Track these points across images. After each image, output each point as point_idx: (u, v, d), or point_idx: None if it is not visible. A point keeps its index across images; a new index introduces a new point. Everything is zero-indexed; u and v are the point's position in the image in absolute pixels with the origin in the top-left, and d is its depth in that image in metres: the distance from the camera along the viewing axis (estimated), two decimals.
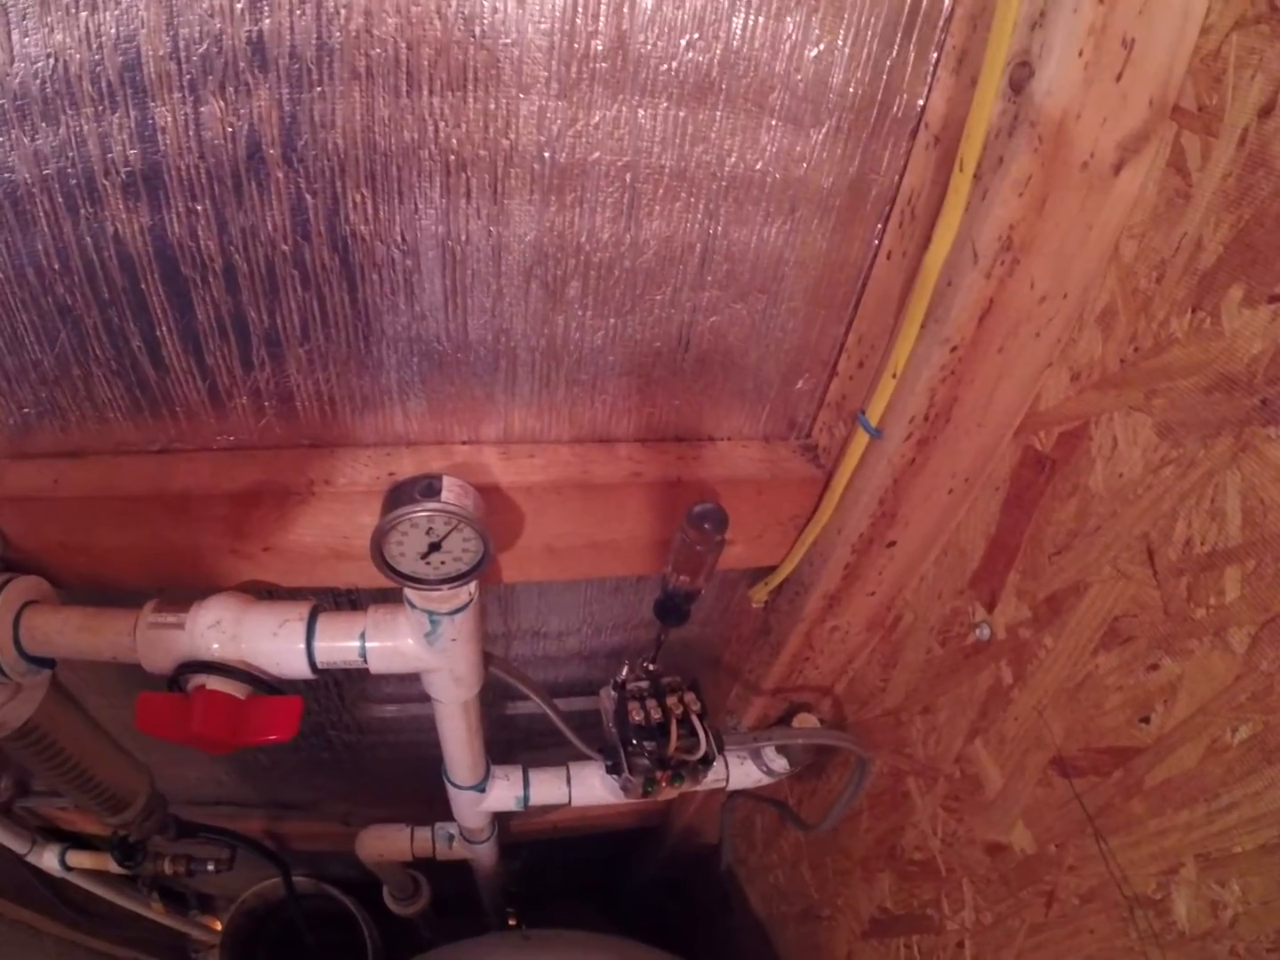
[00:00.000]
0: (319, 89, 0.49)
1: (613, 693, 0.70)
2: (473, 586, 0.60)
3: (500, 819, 0.94)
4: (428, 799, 1.05)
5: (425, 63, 0.49)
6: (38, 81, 0.47)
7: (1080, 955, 0.59)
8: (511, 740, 1.11)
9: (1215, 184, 0.46)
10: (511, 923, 1.26)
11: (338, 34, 0.48)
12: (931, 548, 0.72)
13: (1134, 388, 0.52)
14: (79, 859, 1.09)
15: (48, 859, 1.10)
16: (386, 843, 0.98)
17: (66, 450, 0.63)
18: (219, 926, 1.45)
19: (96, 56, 0.47)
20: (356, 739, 1.08)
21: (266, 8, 0.46)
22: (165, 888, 1.24)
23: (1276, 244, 0.43)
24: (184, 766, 1.11)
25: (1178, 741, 0.50)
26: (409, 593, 0.59)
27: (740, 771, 0.85)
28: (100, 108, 0.49)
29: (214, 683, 0.59)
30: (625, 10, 0.49)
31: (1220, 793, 0.48)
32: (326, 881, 1.36)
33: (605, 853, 1.60)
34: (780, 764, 0.85)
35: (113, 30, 0.46)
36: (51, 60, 0.47)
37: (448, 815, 0.91)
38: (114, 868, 0.99)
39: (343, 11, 0.47)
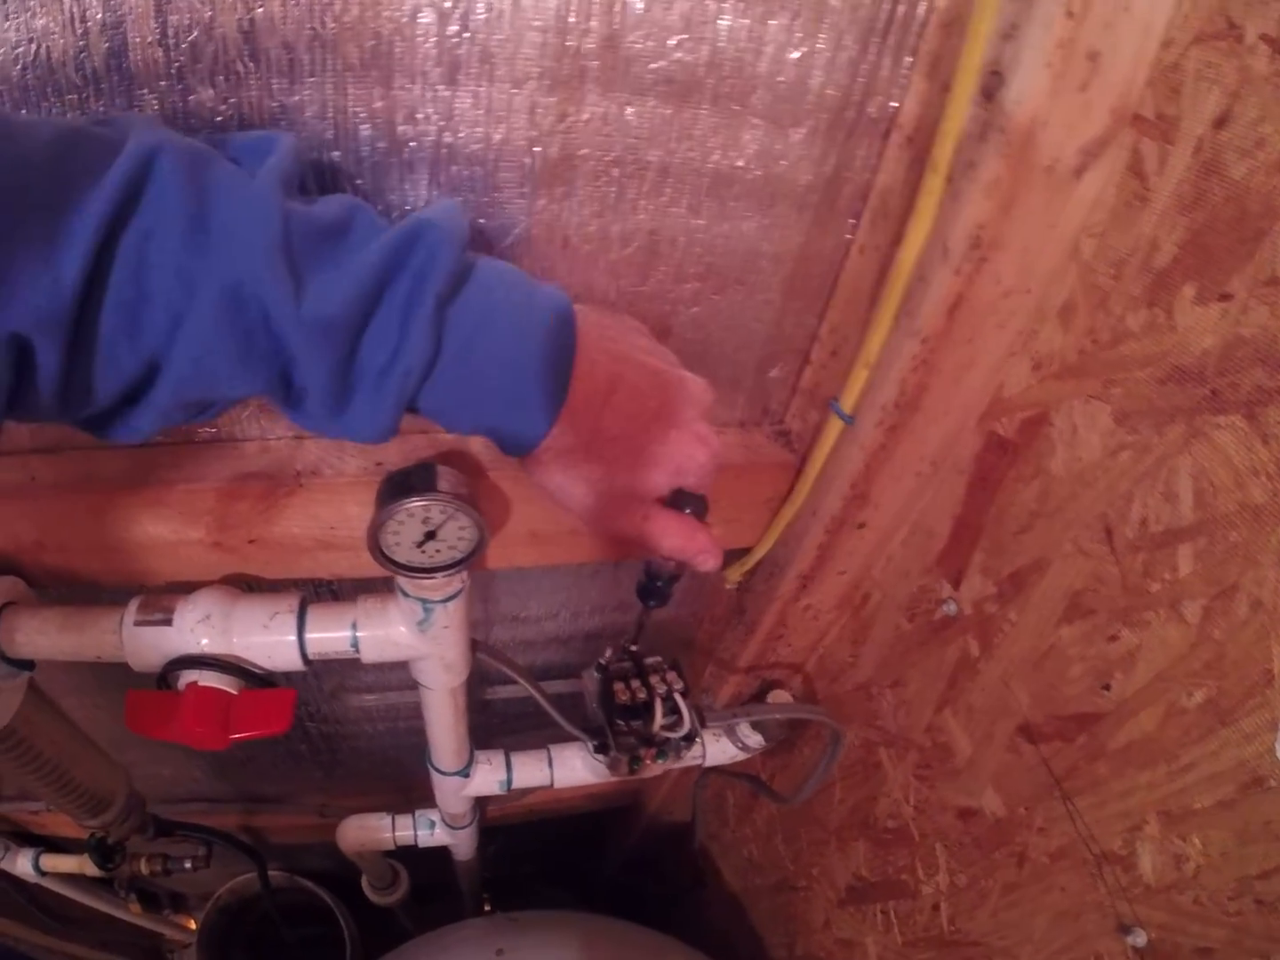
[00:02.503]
0: (312, 79, 0.49)
1: (596, 674, 0.72)
2: (465, 574, 0.60)
3: (480, 803, 0.95)
4: (404, 787, 1.06)
5: (419, 56, 0.49)
6: (18, 67, 0.46)
7: (1052, 911, 0.63)
8: (489, 725, 1.12)
9: (1171, 188, 0.48)
10: (487, 908, 1.27)
11: (331, 24, 0.47)
12: (899, 528, 0.75)
13: (1092, 377, 0.55)
14: (54, 863, 1.06)
15: (21, 864, 1.07)
16: (368, 832, 0.98)
17: (43, 447, 0.62)
18: (193, 925, 1.42)
19: (81, 42, 0.46)
20: (334, 729, 1.07)
21: None
22: (139, 888, 1.22)
23: (1227, 247, 0.46)
24: (159, 765, 1.10)
25: (1138, 707, 0.54)
26: (402, 581, 0.59)
27: (717, 748, 0.87)
28: (84, 94, 0.48)
29: (206, 678, 0.58)
30: (616, 10, 0.50)
31: (1179, 753, 0.51)
32: (302, 874, 1.34)
33: (579, 835, 1.61)
34: (755, 739, 0.87)
35: (99, 15, 0.45)
36: (34, 45, 0.46)
37: (424, 804, 0.92)
38: (90, 870, 0.97)
39: (337, 3, 0.47)
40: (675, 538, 0.51)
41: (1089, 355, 0.55)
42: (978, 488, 0.66)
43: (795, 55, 0.54)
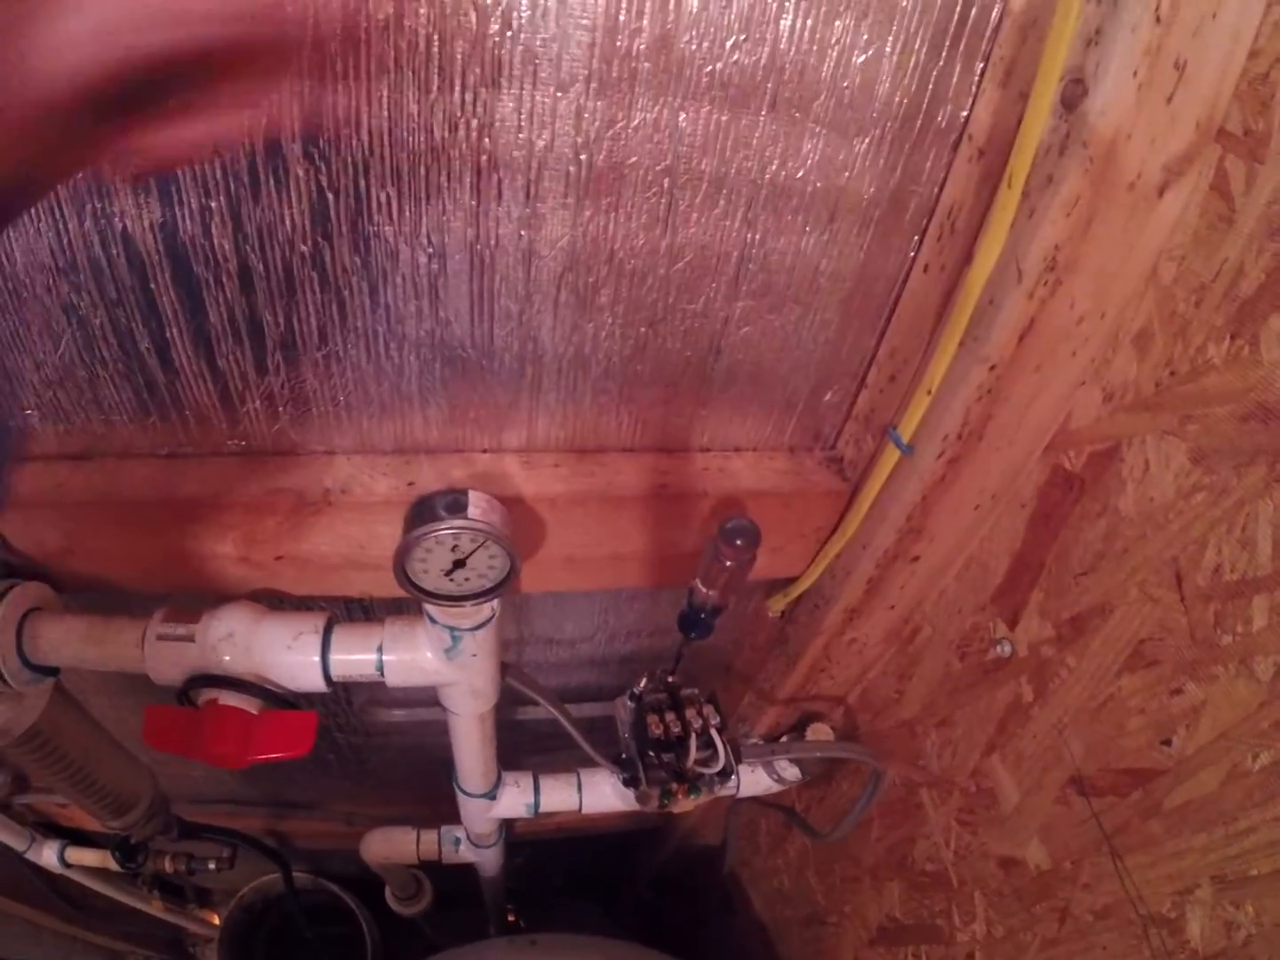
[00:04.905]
0: (344, 82, 0.47)
1: (629, 703, 0.69)
2: (496, 602, 0.58)
3: (507, 822, 0.94)
4: (432, 800, 1.04)
5: (458, 56, 0.47)
6: None
7: None
8: (519, 743, 1.10)
9: (1260, 210, 0.45)
10: (511, 919, 1.26)
11: (365, 24, 0.45)
12: (954, 563, 0.71)
13: (1168, 411, 0.51)
14: (78, 855, 1.07)
15: (47, 856, 1.08)
16: (392, 845, 0.96)
17: (71, 454, 0.61)
18: (217, 920, 1.43)
19: None
20: (363, 741, 1.07)
21: None
22: (165, 882, 1.22)
23: None
24: (187, 766, 1.09)
25: (1198, 765, 0.51)
26: (430, 608, 0.57)
27: (751, 779, 0.85)
28: None
29: (226, 697, 0.57)
30: (670, 8, 0.47)
31: (1239, 817, 0.48)
32: (327, 877, 1.34)
33: (608, 852, 1.59)
34: (792, 773, 0.84)
35: None
36: None
37: (452, 816, 0.90)
38: (114, 865, 0.97)
39: (370, 1, 0.44)
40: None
41: (1165, 388, 0.51)
42: (1040, 523, 0.62)
43: (861, 59, 0.51)
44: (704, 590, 0.58)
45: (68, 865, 1.07)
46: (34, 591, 0.61)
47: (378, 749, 1.09)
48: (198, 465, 0.62)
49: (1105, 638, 0.57)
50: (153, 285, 0.53)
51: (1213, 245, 0.48)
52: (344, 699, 0.96)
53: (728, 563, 0.55)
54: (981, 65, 0.53)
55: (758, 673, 0.95)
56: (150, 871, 1.01)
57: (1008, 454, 0.61)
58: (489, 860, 0.99)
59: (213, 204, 0.50)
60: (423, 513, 0.52)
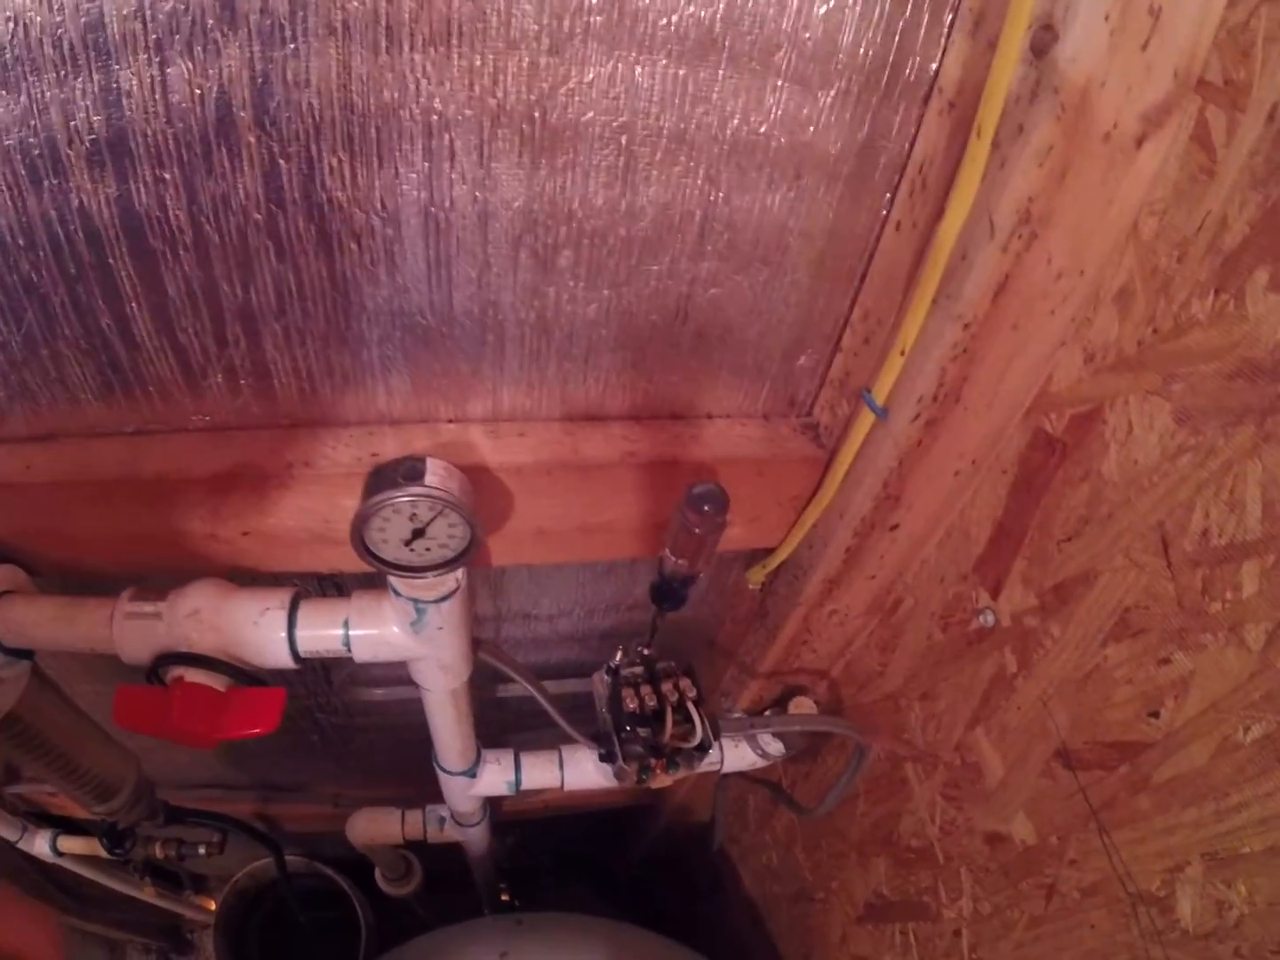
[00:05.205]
0: (292, 46, 0.46)
1: (606, 678, 0.68)
2: (460, 573, 0.57)
3: (492, 801, 0.93)
4: (418, 780, 1.05)
5: (406, 16, 0.46)
6: None
7: (1080, 950, 0.59)
8: (503, 721, 1.10)
9: (1242, 161, 0.43)
10: (505, 898, 1.26)
11: None
12: (935, 531, 0.70)
13: (1151, 371, 0.50)
14: (71, 844, 1.08)
15: (39, 845, 1.09)
16: (377, 826, 0.97)
17: (38, 434, 0.61)
18: (213, 906, 1.45)
19: (58, 18, 0.43)
20: (345, 722, 1.07)
21: None
22: (158, 869, 1.23)
23: None
24: (172, 751, 1.07)
25: (1188, 738, 0.49)
26: (393, 580, 0.56)
27: (735, 755, 0.84)
28: (62, 73, 0.45)
29: (193, 675, 0.56)
30: None
31: (1230, 792, 0.47)
32: (320, 861, 1.36)
33: (598, 830, 1.60)
34: (776, 747, 0.83)
35: None
36: (11, 24, 0.43)
37: (439, 796, 0.90)
38: (104, 851, 0.98)
39: None
40: None
41: (1148, 346, 0.50)
42: (1022, 489, 0.61)
43: (822, 10, 0.49)
44: (674, 559, 0.57)
45: (60, 854, 1.08)
46: (5, 575, 0.61)
47: (360, 729, 1.09)
48: (163, 442, 0.61)
49: (1090, 606, 0.56)
50: (111, 259, 0.53)
51: (1194, 198, 0.46)
52: (323, 678, 0.96)
53: (696, 530, 0.54)
54: (950, 16, 0.51)
55: (739, 646, 0.94)
56: (140, 857, 1.02)
57: (986, 417, 0.59)
58: (475, 839, 0.99)
59: (166, 175, 0.50)
60: (380, 481, 0.51)
